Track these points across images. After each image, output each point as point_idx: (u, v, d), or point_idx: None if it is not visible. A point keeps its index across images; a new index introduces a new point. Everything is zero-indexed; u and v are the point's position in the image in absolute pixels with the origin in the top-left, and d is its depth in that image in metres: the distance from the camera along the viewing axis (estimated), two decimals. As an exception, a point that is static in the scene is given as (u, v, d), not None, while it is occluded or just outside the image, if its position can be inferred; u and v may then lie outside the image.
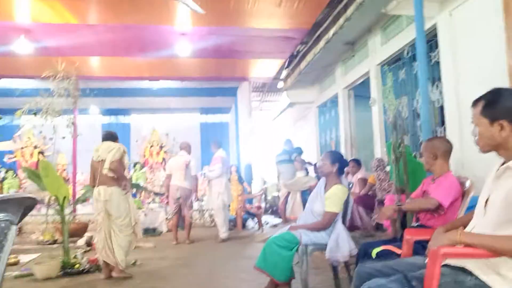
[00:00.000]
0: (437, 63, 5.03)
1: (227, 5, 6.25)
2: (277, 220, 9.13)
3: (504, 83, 3.73)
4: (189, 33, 7.43)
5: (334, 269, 3.49)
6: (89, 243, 6.14)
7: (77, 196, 7.73)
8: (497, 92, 1.70)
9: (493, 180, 1.71)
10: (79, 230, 6.95)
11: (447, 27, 4.78)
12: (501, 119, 1.63)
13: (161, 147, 11.33)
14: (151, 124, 12.11)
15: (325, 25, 7.06)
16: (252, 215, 8.63)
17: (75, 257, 4.76)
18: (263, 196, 11.41)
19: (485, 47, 4.19)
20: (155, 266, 4.93)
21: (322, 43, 7.25)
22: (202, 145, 12.22)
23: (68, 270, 4.51)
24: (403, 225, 3.29)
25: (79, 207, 8.28)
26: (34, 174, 5.74)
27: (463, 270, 1.63)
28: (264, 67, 10.01)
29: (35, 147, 11.11)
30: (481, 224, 1.69)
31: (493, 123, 1.65)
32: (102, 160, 4.42)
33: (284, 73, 10.61)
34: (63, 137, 7.04)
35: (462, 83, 4.57)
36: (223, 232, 6.74)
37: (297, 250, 3.21)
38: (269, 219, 9.64)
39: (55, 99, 6.55)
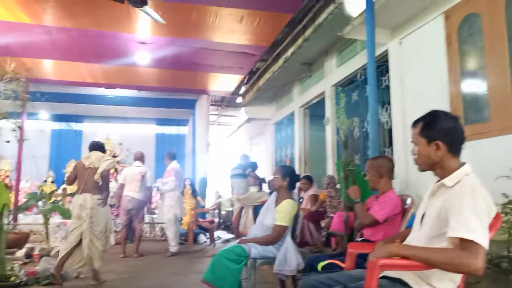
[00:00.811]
0: (387, 87, 5.29)
1: (188, 17, 6.27)
2: (230, 235, 9.07)
3: (446, 108, 3.99)
4: (149, 42, 7.36)
5: (282, 283, 3.51)
6: (29, 255, 5.77)
7: (19, 204, 7.30)
8: (434, 114, 1.81)
9: (429, 197, 1.82)
10: (19, 241, 6.51)
11: (397, 54, 5.07)
12: (437, 139, 1.74)
13: (114, 157, 10.99)
14: (104, 132, 11.75)
15: (284, 44, 7.25)
16: (205, 230, 8.52)
17: (11, 269, 4.47)
18: (217, 210, 11.32)
19: (430, 74, 4.48)
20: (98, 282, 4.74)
21: (280, 61, 7.42)
22: (157, 156, 11.98)
23: (1, 283, 4.21)
24: (350, 241, 3.39)
25: (20, 216, 7.81)
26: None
27: (399, 281, 1.71)
28: (223, 82, 10.05)
29: (-24, 150, 10.41)
30: (417, 237, 1.79)
31: (430, 143, 1.76)
32: (94, 167, 4.53)
33: (243, 89, 10.72)
34: (8, 141, 6.66)
35: (409, 106, 4.84)
36: (173, 246, 6.60)
37: (245, 263, 3.21)
38: (222, 234, 9.55)
39: (1, 100, 6.20)
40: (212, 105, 12.97)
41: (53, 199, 8.02)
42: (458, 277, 1.69)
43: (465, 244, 1.49)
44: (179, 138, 13.21)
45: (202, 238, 8.68)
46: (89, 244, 4.35)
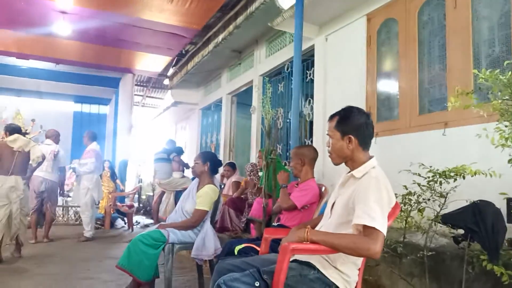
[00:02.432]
0: (312, 81, 5.51)
1: (116, -10, 5.93)
2: (149, 220, 8.88)
3: (362, 105, 4.27)
4: (70, 12, 6.82)
5: (199, 268, 3.54)
6: None
7: None
8: (349, 110, 1.93)
9: (340, 187, 1.96)
10: None
11: (323, 49, 5.29)
12: (350, 134, 1.86)
13: (25, 134, 10.10)
14: (14, 106, 10.74)
15: (215, 29, 7.18)
16: (123, 214, 8.25)
17: None
18: (137, 195, 10.99)
19: (351, 72, 4.74)
20: (4, 265, 4.41)
21: (211, 46, 7.35)
22: (74, 136, 11.25)
23: None
24: (268, 227, 3.50)
25: None
26: None
27: (308, 264, 1.82)
28: (150, 62, 9.67)
29: None
30: (326, 224, 1.91)
31: (344, 136, 1.88)
32: (23, 151, 4.83)
33: (171, 71, 10.44)
34: None
35: (330, 101, 5.10)
36: (88, 231, 6.30)
37: (163, 249, 3.18)
38: (141, 219, 9.32)
39: None
40: (137, 85, 12.48)
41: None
42: (359, 261, 1.85)
43: (367, 231, 1.62)
44: (100, 118, 12.50)
45: (120, 223, 8.40)
46: (19, 223, 4.69)
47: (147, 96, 14.18)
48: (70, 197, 8.35)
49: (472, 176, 2.23)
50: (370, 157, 1.88)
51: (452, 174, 2.27)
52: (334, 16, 4.97)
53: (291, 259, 1.79)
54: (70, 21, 6.99)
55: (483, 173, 2.21)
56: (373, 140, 1.94)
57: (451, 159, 2.66)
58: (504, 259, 2.16)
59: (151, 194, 10.45)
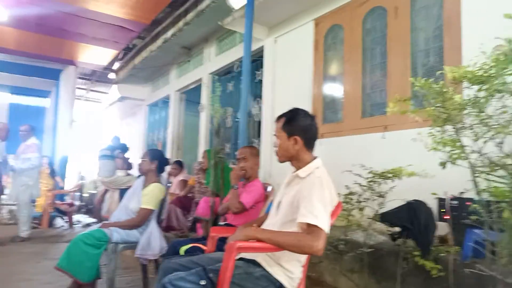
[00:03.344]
0: (261, 81, 5.59)
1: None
2: (91, 220, 8.52)
3: (308, 107, 4.40)
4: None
5: (144, 268, 3.47)
6: None
7: None
8: (295, 111, 2.00)
9: (285, 186, 2.02)
10: None
11: (272, 51, 5.38)
12: (296, 134, 1.93)
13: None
14: None
15: (164, 24, 7.05)
16: (62, 213, 7.85)
17: None
18: (79, 193, 10.50)
19: (298, 74, 4.87)
20: None
21: (159, 41, 7.20)
22: (10, 129, 10.51)
23: None
24: (215, 225, 3.51)
25: None
26: None
27: (253, 262, 1.86)
28: (95, 54, 9.30)
29: None
30: (273, 223, 1.96)
31: (290, 137, 1.94)
32: None
33: (117, 65, 10.09)
34: None
35: (278, 102, 5.20)
36: (24, 231, 5.92)
37: (106, 248, 3.08)
38: (82, 218, 8.92)
39: None
40: (80, 78, 11.90)
41: None
42: (303, 258, 1.92)
43: (310, 229, 1.69)
44: (38, 111, 11.78)
45: (59, 222, 7.99)
46: None
47: (90, 90, 13.57)
48: (4, 194, 7.81)
49: (408, 177, 2.39)
50: (315, 158, 1.96)
51: (390, 175, 2.41)
52: (284, 18, 5.08)
53: (237, 258, 1.81)
54: (6, 6, 6.55)
55: (417, 175, 2.37)
56: (318, 141, 2.02)
57: (389, 161, 2.82)
58: (434, 255, 2.34)
59: (94, 192, 10.05)
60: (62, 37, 8.31)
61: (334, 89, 4.49)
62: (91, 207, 9.71)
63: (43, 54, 9.54)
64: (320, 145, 2.02)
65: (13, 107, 11.49)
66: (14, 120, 10.90)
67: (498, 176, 1.75)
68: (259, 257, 1.86)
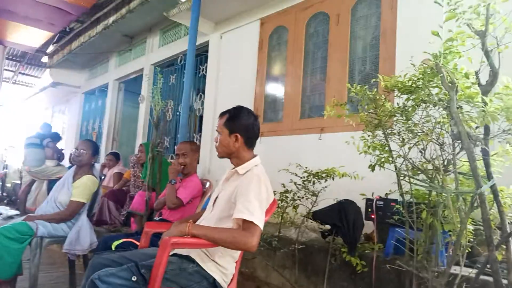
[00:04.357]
0: (205, 76, 5.54)
1: None
2: (14, 212, 7.94)
3: (250, 106, 4.45)
4: None
5: (71, 263, 3.30)
6: None
7: None
8: (239, 109, 2.03)
9: (223, 182, 2.03)
10: None
11: (217, 46, 5.36)
12: (237, 132, 1.95)
13: None
14: None
15: (106, 9, 6.73)
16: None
17: None
18: (0, 182, 9.75)
19: (242, 72, 4.90)
20: None
21: (99, 27, 6.86)
22: None
23: None
24: (150, 220, 3.43)
25: None
26: None
27: (187, 258, 1.85)
28: (27, 35, 8.62)
29: None
30: (208, 218, 1.97)
31: (231, 134, 1.96)
32: None
33: (51, 48, 9.46)
34: None
35: (220, 97, 5.19)
36: None
37: (30, 243, 2.90)
38: (4, 210, 8.28)
39: None
40: (8, 59, 11.01)
41: None
42: (237, 254, 1.94)
43: (245, 225, 1.72)
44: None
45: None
46: None
47: (19, 73, 12.60)
48: None
49: (340, 177, 2.51)
50: (254, 156, 1.99)
51: (323, 175, 2.52)
52: (230, 15, 5.08)
53: (171, 253, 1.80)
54: None
55: (349, 176, 2.50)
56: (258, 140, 2.06)
57: (324, 161, 2.95)
58: (360, 251, 2.48)
59: (18, 182, 9.36)
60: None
61: (276, 89, 4.57)
62: (14, 198, 9.05)
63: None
64: (259, 143, 2.07)
65: None
66: None
67: (420, 180, 1.90)
68: (193, 253, 1.85)
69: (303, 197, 2.68)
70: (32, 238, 2.90)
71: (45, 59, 9.90)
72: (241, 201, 1.77)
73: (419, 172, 1.92)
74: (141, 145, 4.68)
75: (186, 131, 4.29)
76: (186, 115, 4.23)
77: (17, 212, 7.67)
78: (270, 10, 4.62)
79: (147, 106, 6.74)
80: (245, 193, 1.78)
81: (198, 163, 3.24)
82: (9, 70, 12.00)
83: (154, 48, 6.82)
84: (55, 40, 8.98)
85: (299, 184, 2.67)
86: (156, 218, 3.05)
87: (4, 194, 9.92)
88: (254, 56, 4.74)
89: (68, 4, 6.74)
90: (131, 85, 7.86)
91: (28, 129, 9.00)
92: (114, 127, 8.05)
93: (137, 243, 2.42)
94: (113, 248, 2.51)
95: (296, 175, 2.69)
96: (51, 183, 6.24)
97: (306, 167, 2.66)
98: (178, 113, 5.95)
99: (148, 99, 6.64)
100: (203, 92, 5.53)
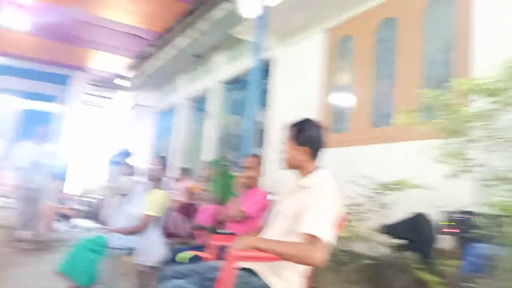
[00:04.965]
0: (268, 89, 5.57)
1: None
2: (93, 225, 8.49)
3: (316, 117, 4.37)
4: (28, 6, 6.46)
5: (141, 274, 3.42)
6: None
7: None
8: (306, 121, 1.99)
9: (287, 195, 1.98)
10: None
11: (280, 59, 5.37)
12: (304, 144, 1.92)
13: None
14: None
15: (174, 32, 7.08)
16: (63, 217, 7.86)
17: None
18: (81, 197, 10.51)
19: (307, 83, 4.85)
20: None
21: (172, 50, 7.24)
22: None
23: None
24: (215, 233, 3.46)
25: None
26: None
27: (251, 271, 1.82)
28: (105, 61, 9.39)
29: None
30: (272, 232, 1.92)
31: (298, 146, 1.92)
32: None
33: (128, 72, 10.17)
34: None
35: (284, 111, 5.17)
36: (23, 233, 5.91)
37: (105, 254, 3.05)
38: (84, 223, 8.89)
39: None
40: (89, 84, 12.00)
41: None
42: (301, 268, 1.87)
43: (311, 239, 1.64)
44: (47, 116, 11.82)
45: (59, 226, 7.97)
46: None
47: (99, 96, 13.64)
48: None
49: (411, 189, 2.34)
50: (320, 167, 1.93)
51: (394, 186, 2.37)
52: (295, 28, 5.07)
53: (236, 266, 1.77)
54: (26, 13, 6.62)
55: (421, 187, 2.33)
56: (324, 151, 1.99)
57: (393, 172, 2.78)
58: (435, 268, 2.28)
59: (101, 197, 10.04)
60: (74, 44, 8.40)
61: (343, 99, 4.45)
62: (96, 213, 9.68)
63: (53, 60, 9.63)
64: (325, 155, 2.00)
65: (24, 113, 11.55)
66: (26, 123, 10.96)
67: (505, 190, 1.70)
68: (257, 266, 1.82)
69: (371, 210, 2.54)
70: (107, 250, 3.06)
71: (121, 82, 10.64)
72: (307, 215, 1.71)
73: (505, 181, 1.72)
74: (207, 163, 4.79)
75: (249, 145, 4.31)
76: (250, 129, 4.26)
77: (96, 225, 8.20)
78: (336, 20, 4.55)
79: (214, 121, 6.92)
80: (311, 206, 1.72)
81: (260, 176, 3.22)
82: (89, 94, 13.02)
83: (221, 66, 7.02)
84: (131, 65, 9.65)
85: (368, 196, 2.53)
86: (222, 231, 3.06)
87: (86, 208, 10.66)
88: (319, 66, 4.68)
89: (143, 30, 7.21)
90: (200, 102, 8.15)
91: (107, 148, 9.65)
92: (185, 143, 8.38)
93: (203, 255, 2.44)
94: (178, 260, 2.56)
95: (365, 187, 2.56)
96: (124, 198, 6.59)
97: (375, 179, 2.53)
98: (243, 128, 6.02)
99: (216, 115, 6.82)
100: (266, 105, 5.55)
